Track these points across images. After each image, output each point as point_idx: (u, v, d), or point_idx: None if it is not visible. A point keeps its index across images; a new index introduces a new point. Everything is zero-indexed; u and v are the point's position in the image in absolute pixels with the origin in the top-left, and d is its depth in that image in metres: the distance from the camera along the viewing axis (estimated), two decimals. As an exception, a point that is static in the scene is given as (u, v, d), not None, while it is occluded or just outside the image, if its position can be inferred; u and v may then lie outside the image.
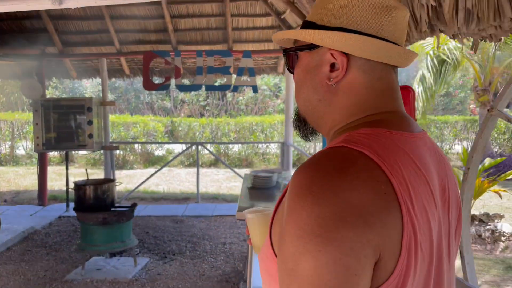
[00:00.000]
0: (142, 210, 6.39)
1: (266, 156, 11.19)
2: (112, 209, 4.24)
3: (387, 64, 0.76)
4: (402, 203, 0.62)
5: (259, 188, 3.60)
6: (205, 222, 5.92)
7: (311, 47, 0.77)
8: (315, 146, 12.02)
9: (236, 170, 7.60)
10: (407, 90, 2.05)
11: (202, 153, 10.92)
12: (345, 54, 0.74)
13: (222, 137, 11.73)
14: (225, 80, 6.18)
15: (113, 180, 4.42)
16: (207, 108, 15.74)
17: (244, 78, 6.17)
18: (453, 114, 15.86)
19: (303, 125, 0.85)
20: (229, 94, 15.46)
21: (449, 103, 17.81)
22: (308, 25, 0.78)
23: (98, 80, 13.95)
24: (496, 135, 12.05)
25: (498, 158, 6.65)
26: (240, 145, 11.24)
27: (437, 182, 0.74)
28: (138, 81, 10.84)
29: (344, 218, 0.58)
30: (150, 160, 11.30)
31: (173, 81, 6.33)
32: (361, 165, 0.63)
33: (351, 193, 0.60)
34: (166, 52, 6.16)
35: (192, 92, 15.01)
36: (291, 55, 0.82)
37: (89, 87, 17.36)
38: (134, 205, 4.35)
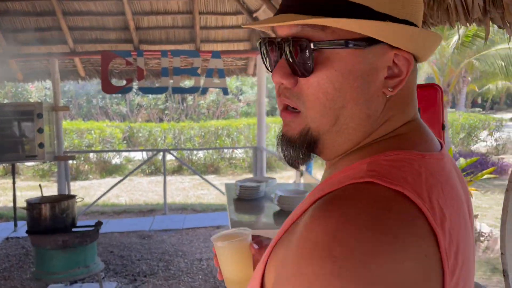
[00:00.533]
0: (103, 226, 5.76)
1: (233, 161, 10.77)
2: (73, 229, 3.68)
3: None
4: (447, 269, 0.50)
5: (246, 200, 3.21)
6: (175, 236, 5.43)
7: (366, 43, 0.56)
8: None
9: (204, 177, 7.14)
10: (434, 89, 1.74)
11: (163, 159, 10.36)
12: (407, 56, 0.59)
13: (186, 142, 11.19)
14: (193, 82, 5.77)
15: (73, 196, 3.85)
16: (166, 112, 15.10)
17: (214, 80, 5.80)
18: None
19: (303, 148, 0.62)
20: (189, 98, 14.92)
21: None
22: (354, 8, 0.55)
23: (45, 83, 13.00)
24: (452, 135, 12.32)
25: (473, 158, 6.65)
26: (205, 150, 10.76)
27: (466, 206, 0.62)
28: (91, 84, 10.09)
29: None
30: (107, 170, 10.57)
31: (135, 84, 5.83)
32: (402, 217, 0.49)
33: (389, 265, 0.46)
34: (127, 52, 5.67)
35: (150, 96, 14.36)
36: (321, 51, 0.57)
37: (35, 91, 16.11)
38: (98, 224, 3.81)
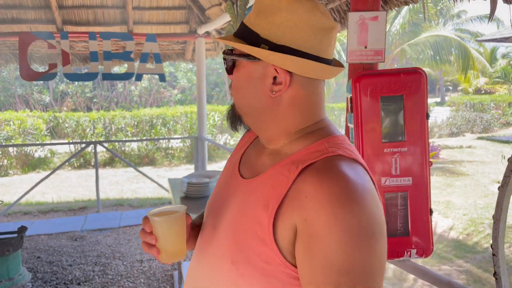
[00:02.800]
0: (28, 227, 5.19)
1: (169, 151, 10.29)
2: (-8, 238, 3.18)
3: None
4: None
5: (193, 198, 2.94)
6: (111, 235, 5.00)
7: (255, 58, 0.83)
8: (226, 139, 11.51)
9: (140, 170, 6.68)
10: (418, 73, 1.60)
11: (93, 152, 9.65)
12: (288, 72, 0.82)
13: (118, 132, 10.51)
14: (126, 67, 5.30)
15: (-11, 200, 3.33)
16: (94, 100, 14.13)
17: (149, 65, 5.37)
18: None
19: (236, 119, 0.95)
20: (119, 85, 14.08)
21: (343, 91, 18.69)
22: (250, 34, 0.83)
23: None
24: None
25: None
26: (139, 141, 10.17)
27: None
28: (9, 69, 9.08)
29: (381, 220, 0.74)
30: (29, 164, 9.63)
31: (60, 70, 5.23)
32: (365, 175, 0.78)
33: (378, 202, 0.76)
34: (49, 33, 5.04)
35: (76, 83, 13.33)
36: (232, 59, 0.88)
37: None
38: (22, 230, 3.33)
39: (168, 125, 10.63)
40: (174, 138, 10.14)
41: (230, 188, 0.93)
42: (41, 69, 5.42)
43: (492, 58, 24.33)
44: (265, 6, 0.81)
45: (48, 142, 10.08)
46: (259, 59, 0.81)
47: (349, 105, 1.68)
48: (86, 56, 5.66)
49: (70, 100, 14.10)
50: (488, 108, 16.03)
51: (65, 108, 13.90)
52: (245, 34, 0.83)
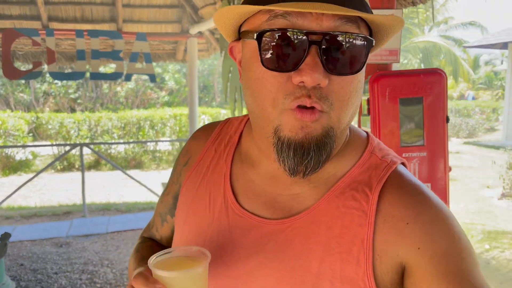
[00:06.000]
0: (10, 233, 4.96)
1: (157, 154, 10.09)
2: (-28, 246, 3.00)
3: None
4: None
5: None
6: (99, 242, 4.81)
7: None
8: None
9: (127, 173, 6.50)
10: (438, 74, 1.52)
11: (77, 154, 9.39)
12: None
13: (104, 135, 10.27)
14: (114, 67, 5.14)
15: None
16: (78, 101, 13.82)
17: (139, 65, 5.23)
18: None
19: (325, 151, 0.59)
20: (105, 86, 13.82)
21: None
22: (367, 7, 0.59)
23: None
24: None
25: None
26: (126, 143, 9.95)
27: None
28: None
29: None
30: (10, 166, 9.32)
31: (44, 68, 5.04)
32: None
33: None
34: (34, 30, 4.85)
35: (59, 83, 13.03)
36: (371, 47, 0.59)
37: None
38: (6, 236, 3.16)
39: (156, 128, 10.44)
40: (167, 141, 9.95)
41: (236, 234, 0.66)
42: (25, 67, 5.22)
43: (475, 64, 24.73)
44: None
45: (32, 144, 9.78)
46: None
47: (366, 106, 1.58)
48: (72, 55, 5.48)
49: (53, 100, 13.76)
50: (473, 113, 16.25)
51: (47, 109, 13.57)
52: (359, 3, 0.58)
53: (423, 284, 0.57)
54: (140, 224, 5.35)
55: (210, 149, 0.76)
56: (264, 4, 0.55)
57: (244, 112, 3.60)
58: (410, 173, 0.66)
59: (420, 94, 1.50)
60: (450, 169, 1.51)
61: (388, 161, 0.65)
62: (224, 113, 12.01)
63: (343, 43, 0.55)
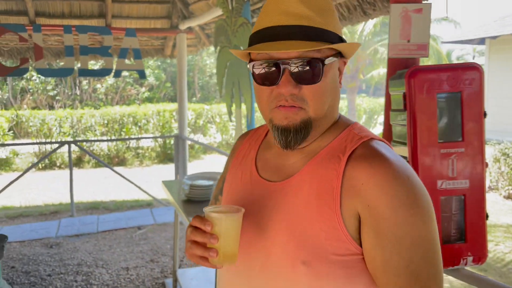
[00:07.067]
0: (7, 236, 4.78)
1: (140, 151, 9.91)
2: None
3: None
4: None
5: (196, 201, 2.76)
6: (90, 241, 4.70)
7: (341, 55, 0.87)
8: (198, 139, 11.25)
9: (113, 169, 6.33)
10: (476, 68, 1.51)
11: (60, 152, 9.13)
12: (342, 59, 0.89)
13: (86, 131, 10.01)
14: (103, 63, 5.01)
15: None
16: (57, 98, 13.43)
17: (128, 61, 5.11)
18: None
19: (302, 133, 0.86)
20: (84, 82, 13.48)
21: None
22: (323, 33, 0.81)
23: None
24: (356, 119, 12.99)
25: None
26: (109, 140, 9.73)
27: None
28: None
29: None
30: (-11, 165, 9.00)
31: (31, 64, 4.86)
32: (394, 151, 0.84)
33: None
34: (21, 26, 4.68)
35: (37, 80, 12.64)
36: (324, 64, 0.83)
37: None
38: (3, 238, 3.03)
39: (139, 124, 10.24)
40: (156, 137, 9.79)
41: (255, 193, 0.92)
42: (11, 64, 5.02)
43: (448, 60, 25.32)
44: (320, 3, 0.82)
45: (12, 142, 9.44)
46: (343, 56, 0.87)
47: (402, 101, 1.56)
48: (59, 51, 5.30)
49: (31, 97, 13.34)
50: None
51: (25, 106, 13.13)
52: (319, 35, 0.80)
53: (366, 236, 0.77)
54: (132, 222, 5.24)
55: (245, 144, 1.04)
56: (254, 44, 0.83)
57: (242, 107, 3.55)
58: (386, 147, 0.82)
59: (459, 89, 1.49)
60: (486, 165, 1.51)
61: (362, 135, 0.84)
62: (207, 109, 11.89)
63: (304, 65, 0.80)
